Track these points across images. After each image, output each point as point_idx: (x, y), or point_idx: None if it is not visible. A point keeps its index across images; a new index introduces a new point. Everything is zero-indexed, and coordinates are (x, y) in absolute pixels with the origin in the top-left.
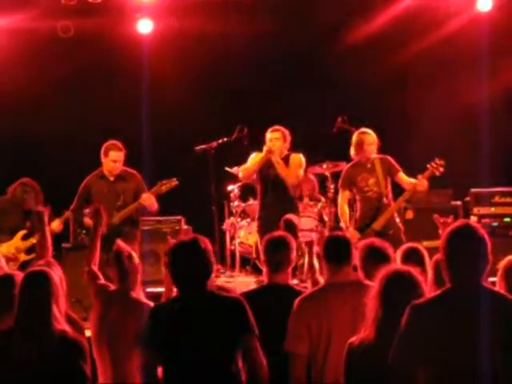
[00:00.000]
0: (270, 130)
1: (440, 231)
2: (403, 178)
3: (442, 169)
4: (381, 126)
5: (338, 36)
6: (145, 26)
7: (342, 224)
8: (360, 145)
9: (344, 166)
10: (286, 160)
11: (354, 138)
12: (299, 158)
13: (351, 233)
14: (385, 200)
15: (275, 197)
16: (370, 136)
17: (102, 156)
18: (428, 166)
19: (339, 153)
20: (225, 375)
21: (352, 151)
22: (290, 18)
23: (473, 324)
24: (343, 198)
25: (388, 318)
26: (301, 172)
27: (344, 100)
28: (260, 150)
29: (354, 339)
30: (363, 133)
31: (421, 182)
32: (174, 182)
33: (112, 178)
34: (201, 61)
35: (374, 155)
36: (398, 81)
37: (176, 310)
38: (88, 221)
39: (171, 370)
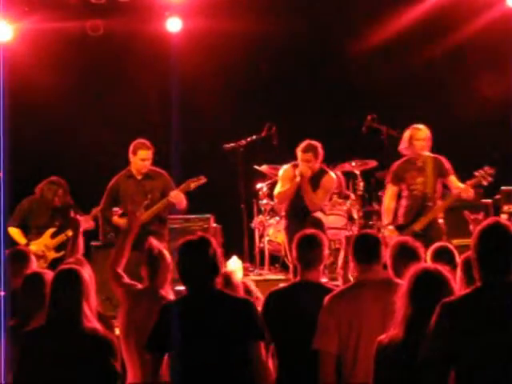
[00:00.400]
0: (301, 147)
1: (471, 227)
2: (453, 181)
3: (490, 178)
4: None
5: (368, 34)
6: (174, 25)
7: (384, 220)
8: (409, 140)
9: (373, 164)
10: (318, 177)
11: (406, 132)
12: (331, 181)
13: (390, 230)
14: (430, 201)
15: (300, 199)
16: (421, 131)
17: (131, 155)
18: (476, 173)
19: (368, 151)
20: (231, 376)
21: (402, 146)
22: (320, 16)
23: (504, 323)
24: (390, 193)
25: (417, 316)
26: (328, 196)
27: (375, 99)
28: (289, 153)
29: (383, 337)
30: (414, 128)
31: (466, 190)
32: (203, 179)
33: (140, 177)
34: (230, 59)
35: (427, 153)
36: (428, 79)
37: (182, 309)
38: (116, 220)
39: (178, 369)
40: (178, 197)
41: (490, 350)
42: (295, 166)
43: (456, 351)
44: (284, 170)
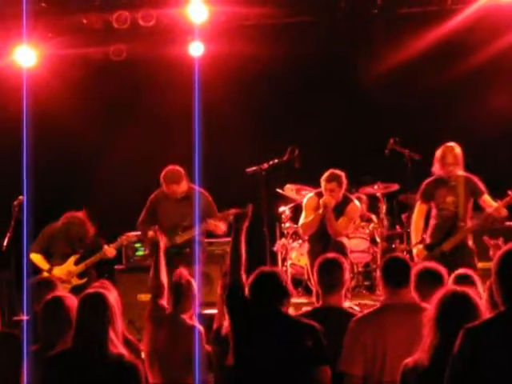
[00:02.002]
0: (325, 177)
1: (491, 253)
2: (487, 201)
3: None
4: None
5: (389, 57)
6: (196, 49)
7: (413, 239)
8: (441, 159)
9: (395, 187)
10: (343, 205)
11: (437, 151)
12: (356, 210)
13: (419, 250)
14: (461, 221)
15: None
16: (453, 150)
17: (163, 184)
18: (509, 192)
19: (391, 174)
20: None
21: (434, 165)
22: (341, 38)
23: None
24: (419, 211)
25: (444, 342)
26: (351, 224)
27: (396, 122)
28: (311, 176)
29: (409, 360)
30: (446, 147)
31: (498, 210)
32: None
33: (178, 197)
34: (252, 83)
35: (460, 173)
36: (451, 100)
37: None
38: (151, 235)
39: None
40: (213, 225)
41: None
42: (319, 195)
43: (479, 377)
44: (308, 198)
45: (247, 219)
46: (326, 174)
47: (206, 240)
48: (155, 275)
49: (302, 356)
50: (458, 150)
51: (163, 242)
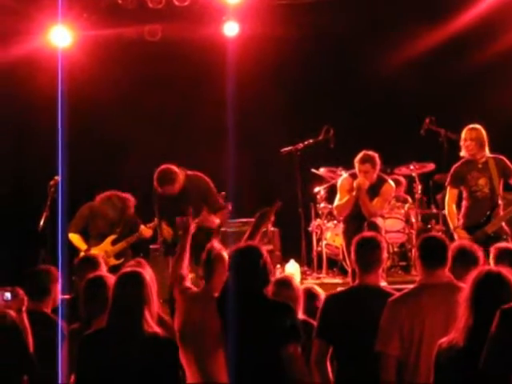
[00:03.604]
0: (359, 158)
1: None
2: None
3: None
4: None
5: (417, 36)
6: (231, 29)
7: (451, 223)
8: (464, 141)
9: (431, 167)
10: (377, 186)
11: (462, 134)
12: (390, 190)
13: (460, 233)
14: (499, 201)
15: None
16: (474, 131)
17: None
18: None
19: (427, 154)
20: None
21: (461, 149)
22: (372, 25)
23: None
24: (451, 196)
25: (479, 322)
26: (386, 204)
27: (432, 101)
28: (346, 156)
29: (443, 340)
30: (469, 128)
31: None
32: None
33: (175, 194)
34: (286, 63)
35: (488, 154)
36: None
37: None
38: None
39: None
40: (207, 219)
41: None
42: (353, 176)
43: None
44: (342, 180)
45: (272, 215)
46: (359, 156)
47: (241, 220)
48: (177, 265)
49: (279, 335)
50: (479, 131)
51: (193, 226)
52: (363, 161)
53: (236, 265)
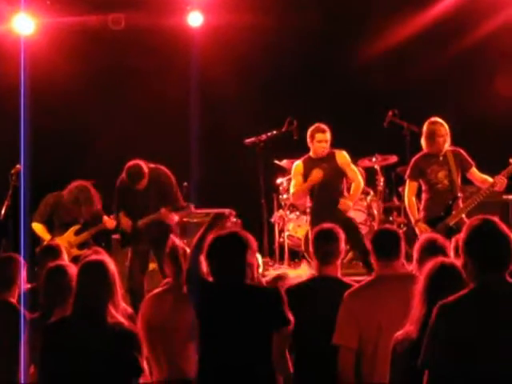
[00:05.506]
0: (315, 127)
1: None
2: (476, 173)
3: None
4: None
5: (387, 33)
6: (195, 19)
7: (412, 217)
8: (431, 136)
9: (394, 160)
10: (330, 158)
11: (425, 128)
12: (345, 157)
13: (422, 227)
14: (459, 193)
15: (326, 191)
16: (443, 126)
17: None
18: (511, 160)
19: (389, 146)
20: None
21: (423, 142)
22: (340, 12)
23: (500, 324)
24: (411, 189)
25: (431, 314)
26: (354, 167)
27: (395, 94)
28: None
29: (399, 333)
30: (434, 123)
31: (500, 181)
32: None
33: (141, 188)
34: (250, 54)
35: (447, 147)
36: (450, 75)
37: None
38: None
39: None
40: (165, 217)
41: (486, 352)
42: (305, 161)
43: (452, 353)
44: (296, 165)
45: (224, 222)
46: (315, 127)
47: (204, 211)
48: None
49: (266, 320)
50: (444, 125)
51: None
52: (322, 130)
53: (218, 252)
